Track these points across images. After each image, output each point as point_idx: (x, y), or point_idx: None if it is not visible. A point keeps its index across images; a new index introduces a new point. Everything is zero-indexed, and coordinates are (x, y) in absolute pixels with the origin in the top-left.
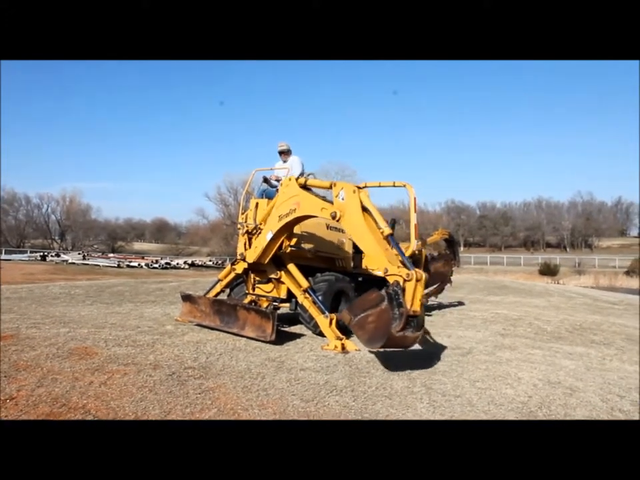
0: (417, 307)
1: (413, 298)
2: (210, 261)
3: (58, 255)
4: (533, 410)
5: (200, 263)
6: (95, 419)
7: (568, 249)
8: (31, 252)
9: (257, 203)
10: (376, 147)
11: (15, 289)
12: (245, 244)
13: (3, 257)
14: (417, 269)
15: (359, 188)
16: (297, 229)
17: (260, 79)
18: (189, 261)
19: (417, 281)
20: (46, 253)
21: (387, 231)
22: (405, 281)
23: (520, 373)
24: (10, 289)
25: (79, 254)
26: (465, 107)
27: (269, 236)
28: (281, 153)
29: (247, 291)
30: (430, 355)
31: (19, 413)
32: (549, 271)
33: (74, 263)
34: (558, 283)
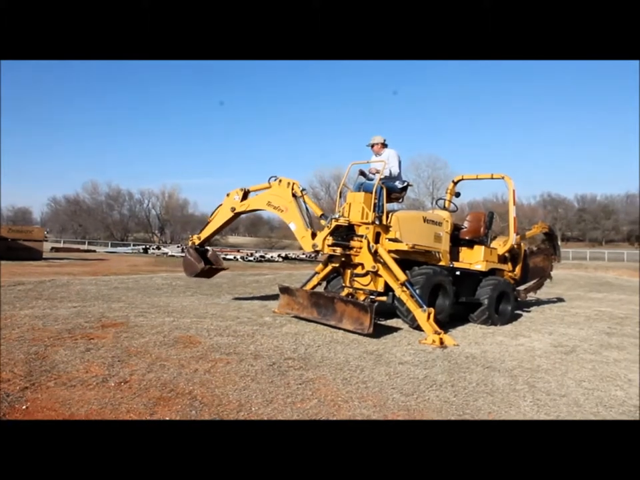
0: None
1: None
2: (303, 254)
3: (159, 248)
4: None
5: (293, 256)
6: (201, 405)
7: None
8: (134, 245)
9: (355, 196)
10: (467, 138)
11: (122, 280)
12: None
13: (109, 249)
14: None
15: None
16: (394, 222)
17: (344, 79)
18: (283, 254)
19: None
20: (147, 246)
21: None
22: None
23: (630, 374)
24: (118, 279)
25: (178, 247)
26: (560, 99)
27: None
28: (373, 146)
29: (343, 284)
30: (531, 351)
31: (132, 395)
32: None
33: (173, 256)
34: None
